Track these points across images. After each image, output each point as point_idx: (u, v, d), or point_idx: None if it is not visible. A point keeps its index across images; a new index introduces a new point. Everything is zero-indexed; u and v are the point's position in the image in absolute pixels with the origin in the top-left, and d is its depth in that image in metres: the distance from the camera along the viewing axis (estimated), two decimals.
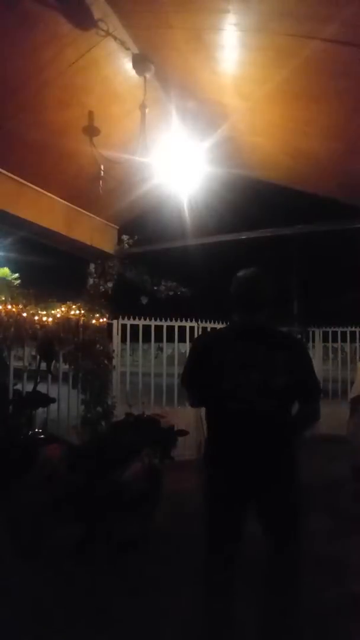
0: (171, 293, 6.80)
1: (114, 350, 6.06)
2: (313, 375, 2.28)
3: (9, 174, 4.82)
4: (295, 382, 2.11)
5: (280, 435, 2.10)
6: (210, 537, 2.18)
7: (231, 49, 3.60)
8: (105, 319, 5.90)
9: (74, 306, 5.39)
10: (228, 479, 2.09)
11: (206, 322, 6.71)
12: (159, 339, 6.47)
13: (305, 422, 2.31)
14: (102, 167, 4.07)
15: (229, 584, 2.15)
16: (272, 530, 2.16)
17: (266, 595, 2.17)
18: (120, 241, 6.73)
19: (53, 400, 3.69)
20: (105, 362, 5.82)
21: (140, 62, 3.73)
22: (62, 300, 5.37)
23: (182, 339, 6.56)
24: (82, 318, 5.44)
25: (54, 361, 4.53)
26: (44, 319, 4.93)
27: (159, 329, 6.39)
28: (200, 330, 6.60)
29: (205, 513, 2.18)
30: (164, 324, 6.44)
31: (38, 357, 3.77)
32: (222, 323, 6.77)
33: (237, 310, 2.26)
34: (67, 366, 5.47)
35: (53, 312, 5.07)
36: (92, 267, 6.63)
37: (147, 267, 6.76)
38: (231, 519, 2.13)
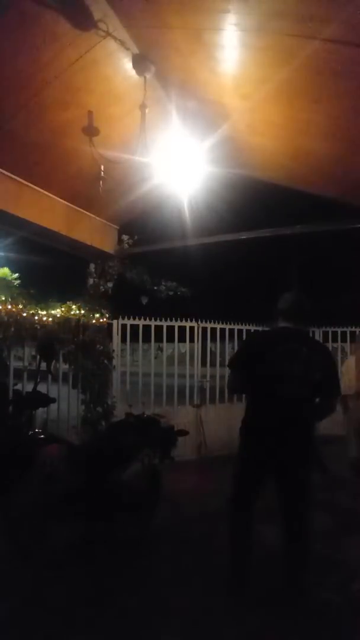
0: (171, 293, 6.79)
1: (114, 350, 6.06)
2: (336, 377, 2.94)
3: (9, 174, 4.82)
4: (322, 380, 2.72)
5: (303, 417, 2.72)
6: (241, 482, 2.87)
7: (231, 49, 3.60)
8: (105, 319, 5.90)
9: (74, 306, 5.39)
10: (259, 443, 2.75)
11: (206, 322, 6.71)
12: (159, 339, 6.47)
13: (323, 412, 2.87)
14: (102, 167, 4.07)
15: (252, 513, 2.84)
16: (288, 485, 2.74)
17: (289, 532, 2.79)
18: (120, 241, 6.73)
19: (53, 400, 3.68)
20: (105, 362, 5.82)
21: (140, 62, 3.73)
22: (62, 300, 5.37)
23: (182, 339, 6.55)
24: (82, 318, 5.43)
25: (54, 361, 4.53)
26: (44, 319, 4.92)
27: (159, 329, 6.39)
28: (200, 330, 6.59)
29: (239, 465, 2.88)
30: (164, 324, 6.43)
31: (38, 357, 3.77)
32: (222, 323, 6.78)
33: (284, 319, 2.90)
34: (67, 366, 5.47)
35: (53, 312, 5.07)
36: (92, 267, 6.63)
37: (147, 267, 6.76)
38: (258, 470, 2.81)
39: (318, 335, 7.85)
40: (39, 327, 4.83)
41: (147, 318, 6.34)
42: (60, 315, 5.16)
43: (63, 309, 5.28)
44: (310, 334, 3.90)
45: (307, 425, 2.77)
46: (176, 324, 6.49)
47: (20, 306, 4.66)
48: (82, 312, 5.45)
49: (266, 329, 6.50)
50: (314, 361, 2.71)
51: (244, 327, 7.11)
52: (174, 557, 3.43)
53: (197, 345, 6.64)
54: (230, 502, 2.86)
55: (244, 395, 3.55)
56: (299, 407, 2.68)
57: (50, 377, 4.62)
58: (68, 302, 5.39)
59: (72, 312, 5.33)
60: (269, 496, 2.77)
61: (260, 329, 7.09)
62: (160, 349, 6.75)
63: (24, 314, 4.71)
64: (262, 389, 2.76)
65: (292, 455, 2.68)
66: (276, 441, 2.67)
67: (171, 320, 6.49)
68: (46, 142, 4.45)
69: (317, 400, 2.79)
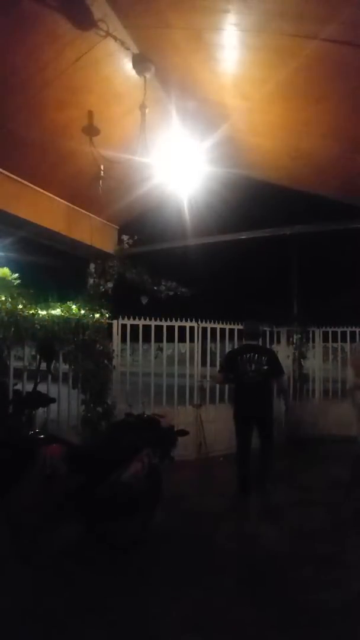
0: (171, 293, 6.80)
1: (114, 350, 6.06)
2: (279, 365, 4.87)
3: (9, 174, 4.82)
4: (272, 368, 4.68)
5: (267, 394, 4.74)
6: (239, 436, 4.69)
7: (231, 49, 3.60)
8: (105, 319, 5.90)
9: (74, 306, 5.38)
10: (244, 412, 4.66)
11: (206, 322, 6.71)
12: (159, 339, 6.47)
13: (280, 385, 5.10)
14: (102, 167, 4.07)
15: (248, 452, 4.66)
16: (262, 432, 4.67)
17: (261, 457, 4.68)
18: (120, 241, 6.73)
19: (53, 400, 3.68)
20: (105, 362, 5.82)
21: (140, 62, 3.73)
22: (62, 300, 5.37)
23: (182, 339, 6.55)
24: (82, 318, 5.43)
25: (54, 361, 4.52)
26: (44, 318, 4.92)
27: (159, 329, 6.38)
28: (200, 330, 6.60)
29: (236, 427, 4.71)
30: (164, 324, 6.43)
31: (38, 357, 3.76)
32: (222, 323, 6.79)
33: (246, 338, 4.93)
34: (67, 366, 5.47)
35: (53, 312, 5.06)
36: (92, 267, 6.63)
37: (147, 267, 6.76)
38: (246, 428, 4.66)
39: (318, 335, 7.86)
40: (39, 327, 4.82)
41: (147, 318, 6.33)
42: (60, 315, 5.15)
43: (63, 309, 5.27)
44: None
45: (268, 396, 4.76)
46: (176, 324, 6.48)
47: (20, 306, 4.65)
48: (82, 312, 5.44)
49: (265, 328, 6.94)
50: (264, 359, 4.67)
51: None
52: (174, 557, 3.43)
53: (197, 345, 6.64)
54: (237, 445, 4.71)
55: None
56: (260, 386, 4.61)
57: (50, 377, 4.63)
58: (68, 302, 5.39)
59: (72, 312, 5.32)
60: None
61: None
62: (160, 349, 6.74)
63: (24, 314, 4.70)
64: (238, 379, 4.70)
65: (261, 413, 4.65)
66: (251, 407, 4.61)
67: (171, 320, 6.48)
68: (46, 142, 4.45)
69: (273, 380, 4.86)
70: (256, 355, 4.64)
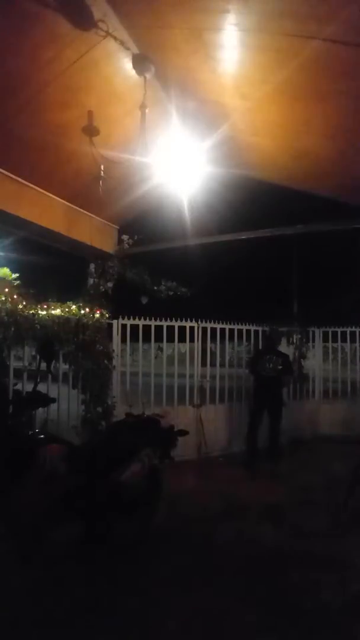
0: (171, 293, 6.79)
1: (113, 350, 6.05)
2: (291, 368, 6.42)
3: (9, 174, 4.82)
4: (284, 367, 6.07)
5: (278, 386, 6.08)
6: (252, 415, 6.09)
7: (231, 49, 3.60)
8: (105, 319, 5.89)
9: (73, 306, 5.38)
10: (260, 397, 6.07)
11: (206, 322, 6.71)
12: (159, 339, 6.46)
13: (287, 382, 6.44)
14: (102, 167, 4.07)
15: (257, 429, 6.00)
16: (272, 414, 5.96)
17: (270, 434, 5.97)
18: (120, 241, 6.72)
19: (53, 400, 3.67)
20: (105, 362, 5.81)
21: (140, 62, 3.73)
22: (62, 300, 5.36)
23: (182, 339, 6.55)
24: (82, 317, 5.43)
25: (54, 361, 4.52)
26: (44, 318, 4.92)
27: (159, 329, 6.38)
28: (200, 330, 6.60)
29: (252, 408, 6.19)
30: (164, 324, 6.42)
31: (38, 357, 3.76)
32: (222, 323, 6.79)
33: (265, 342, 6.57)
34: (67, 366, 5.47)
35: (53, 312, 5.06)
36: (92, 267, 6.62)
37: (147, 267, 6.75)
38: (259, 410, 6.02)
39: (318, 335, 7.87)
40: (39, 327, 4.82)
41: (147, 318, 6.33)
42: (60, 315, 5.15)
43: (63, 308, 5.26)
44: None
45: (278, 387, 6.09)
46: (176, 324, 6.48)
47: (20, 306, 4.65)
48: (82, 312, 5.44)
49: (265, 328, 7.07)
50: (280, 361, 6.06)
51: (244, 327, 7.12)
52: (174, 557, 3.43)
53: (197, 345, 6.64)
54: (249, 422, 6.06)
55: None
56: (273, 380, 5.98)
57: (50, 377, 4.62)
58: (68, 302, 5.39)
59: (72, 312, 5.32)
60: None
61: (259, 328, 7.18)
62: (160, 349, 6.74)
63: (24, 314, 4.70)
64: (258, 374, 6.10)
65: (272, 399, 5.98)
66: (265, 394, 6.02)
67: (171, 320, 6.48)
68: (46, 142, 4.45)
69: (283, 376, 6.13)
70: (274, 357, 6.08)
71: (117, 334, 6.18)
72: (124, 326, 6.21)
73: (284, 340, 7.59)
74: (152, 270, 6.76)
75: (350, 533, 3.83)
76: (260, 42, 3.42)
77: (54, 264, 8.99)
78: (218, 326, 6.76)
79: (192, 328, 6.57)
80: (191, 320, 6.60)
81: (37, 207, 5.26)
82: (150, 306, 6.66)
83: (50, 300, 5.14)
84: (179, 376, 6.46)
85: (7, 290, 4.54)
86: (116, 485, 3.42)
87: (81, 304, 5.52)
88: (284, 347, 7.51)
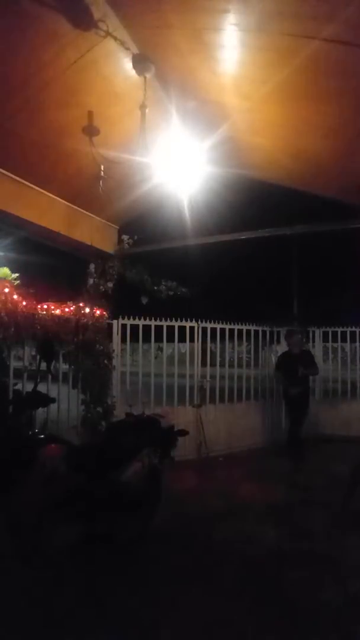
0: (171, 293, 6.79)
1: (114, 350, 6.05)
2: (314, 363, 6.79)
3: (9, 174, 4.82)
4: (308, 365, 6.49)
5: (304, 384, 6.40)
6: (289, 411, 6.61)
7: (231, 49, 3.60)
8: (105, 319, 5.89)
9: (73, 306, 5.38)
10: (290, 398, 6.40)
11: (206, 322, 6.71)
12: (159, 339, 6.46)
13: (313, 373, 6.87)
14: (102, 167, 4.07)
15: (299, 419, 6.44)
16: (300, 410, 6.37)
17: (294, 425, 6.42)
18: (120, 241, 6.72)
19: (53, 400, 3.67)
20: (105, 362, 5.81)
21: (140, 62, 3.73)
22: (62, 300, 5.36)
23: (182, 339, 6.55)
24: (82, 318, 5.43)
25: (54, 361, 4.52)
26: (44, 318, 4.92)
27: (159, 329, 6.38)
28: (200, 330, 6.60)
29: (287, 405, 6.71)
30: (164, 324, 6.43)
31: (38, 357, 3.76)
32: (222, 323, 6.80)
33: (289, 344, 6.75)
34: (67, 366, 5.47)
35: (53, 312, 5.06)
36: (92, 267, 6.62)
37: (147, 267, 6.75)
38: (292, 406, 6.47)
39: (318, 335, 7.86)
40: (39, 327, 4.82)
41: (147, 318, 6.33)
42: (60, 315, 5.15)
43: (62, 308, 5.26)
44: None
45: (307, 387, 6.48)
46: (176, 324, 6.48)
47: (20, 306, 4.65)
48: (82, 312, 5.43)
49: (265, 328, 7.30)
50: (304, 360, 6.43)
51: (244, 327, 7.12)
52: (174, 557, 3.43)
53: (197, 345, 6.64)
54: (291, 418, 6.47)
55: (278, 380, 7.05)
56: (301, 380, 6.29)
57: (50, 377, 4.62)
58: (68, 302, 5.39)
59: (72, 312, 5.31)
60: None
61: (259, 328, 7.20)
62: (160, 349, 6.75)
63: (24, 314, 4.69)
64: (287, 374, 6.37)
65: (300, 399, 6.29)
66: (296, 397, 6.26)
67: (171, 320, 6.48)
68: (46, 142, 4.45)
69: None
70: (297, 356, 6.47)
71: (117, 334, 6.18)
72: (124, 326, 6.21)
73: (283, 341, 7.59)
74: (152, 270, 6.76)
75: (350, 533, 3.83)
76: (260, 42, 3.42)
77: (54, 264, 8.99)
78: (218, 326, 6.77)
79: (192, 328, 6.57)
80: (191, 320, 6.60)
81: (37, 207, 5.26)
82: (150, 306, 6.66)
83: (50, 300, 5.14)
84: (179, 376, 6.46)
85: (7, 290, 4.53)
86: (116, 485, 3.42)
87: (81, 304, 5.52)
88: (283, 348, 7.52)
